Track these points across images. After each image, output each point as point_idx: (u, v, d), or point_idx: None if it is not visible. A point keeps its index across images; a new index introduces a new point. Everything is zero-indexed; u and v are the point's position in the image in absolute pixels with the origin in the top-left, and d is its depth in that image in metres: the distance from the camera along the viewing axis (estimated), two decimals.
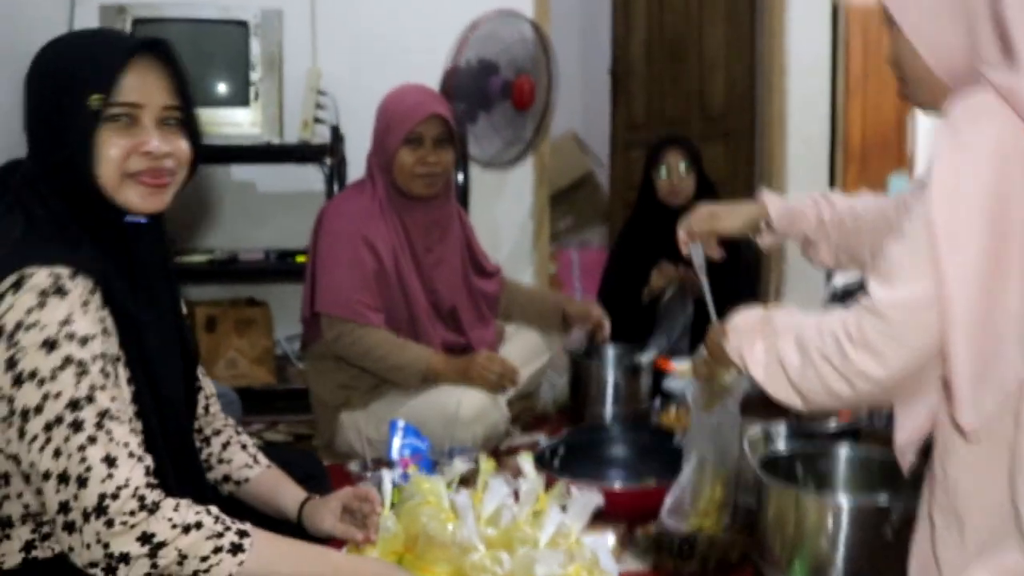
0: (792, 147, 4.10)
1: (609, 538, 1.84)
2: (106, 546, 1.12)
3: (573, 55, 5.58)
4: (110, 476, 1.12)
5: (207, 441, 1.58)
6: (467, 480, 1.94)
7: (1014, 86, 1.10)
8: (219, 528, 1.19)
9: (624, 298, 3.17)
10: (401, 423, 2.24)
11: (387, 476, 1.86)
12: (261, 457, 1.62)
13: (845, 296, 4.74)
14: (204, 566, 1.16)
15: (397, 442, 2.22)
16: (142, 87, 1.25)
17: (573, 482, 1.89)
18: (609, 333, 2.75)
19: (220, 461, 1.58)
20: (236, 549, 1.18)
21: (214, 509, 1.21)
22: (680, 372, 3.00)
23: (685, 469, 1.76)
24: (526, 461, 1.79)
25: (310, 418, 2.82)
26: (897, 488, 1.67)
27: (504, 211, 3.72)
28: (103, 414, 1.14)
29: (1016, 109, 1.09)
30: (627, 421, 2.76)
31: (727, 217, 1.79)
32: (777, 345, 1.28)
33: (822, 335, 1.20)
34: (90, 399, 1.14)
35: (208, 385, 1.62)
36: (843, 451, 1.76)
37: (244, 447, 1.61)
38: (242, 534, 1.20)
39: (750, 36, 4.28)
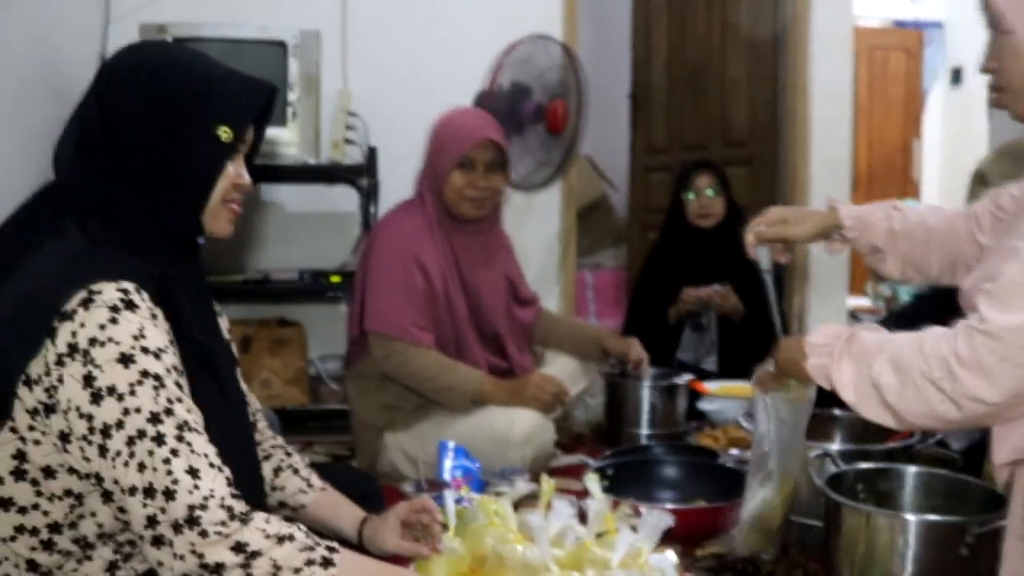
0: (815, 171, 4.14)
1: (671, 556, 1.86)
2: (200, 556, 1.11)
3: (590, 78, 5.63)
4: (196, 487, 1.12)
5: (257, 466, 1.53)
6: (524, 503, 1.95)
7: None
8: (310, 542, 1.19)
9: (654, 319, 3.20)
10: (451, 444, 2.25)
11: (450, 496, 1.87)
12: (315, 480, 1.61)
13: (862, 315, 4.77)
14: None
15: (448, 463, 2.22)
16: (249, 129, 1.32)
17: (637, 503, 1.90)
18: (647, 369, 2.77)
19: (273, 488, 1.57)
20: (327, 563, 1.18)
21: (302, 525, 1.22)
22: (714, 393, 3.03)
23: (752, 485, 1.74)
24: (592, 482, 1.79)
25: (346, 439, 2.83)
26: (962, 506, 1.68)
27: (532, 233, 3.74)
28: (182, 426, 1.15)
29: None
30: (665, 441, 2.77)
31: (798, 223, 1.79)
32: (870, 366, 1.28)
33: (926, 357, 1.19)
34: (169, 412, 1.14)
35: (254, 401, 1.62)
36: (907, 470, 1.76)
37: (296, 471, 1.59)
38: (331, 550, 1.20)
39: (772, 62, 4.32)
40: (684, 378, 2.89)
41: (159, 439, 1.12)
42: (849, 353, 1.33)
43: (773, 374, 1.61)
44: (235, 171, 1.30)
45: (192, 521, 1.11)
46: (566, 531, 1.76)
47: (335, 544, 1.22)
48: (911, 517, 1.56)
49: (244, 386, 1.56)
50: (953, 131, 7.28)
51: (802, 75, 4.07)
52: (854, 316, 4.94)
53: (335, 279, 3.08)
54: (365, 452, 2.57)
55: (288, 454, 1.61)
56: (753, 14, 4.31)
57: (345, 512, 1.59)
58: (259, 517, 1.17)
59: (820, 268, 4.18)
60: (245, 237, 3.43)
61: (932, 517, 1.56)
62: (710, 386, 3.06)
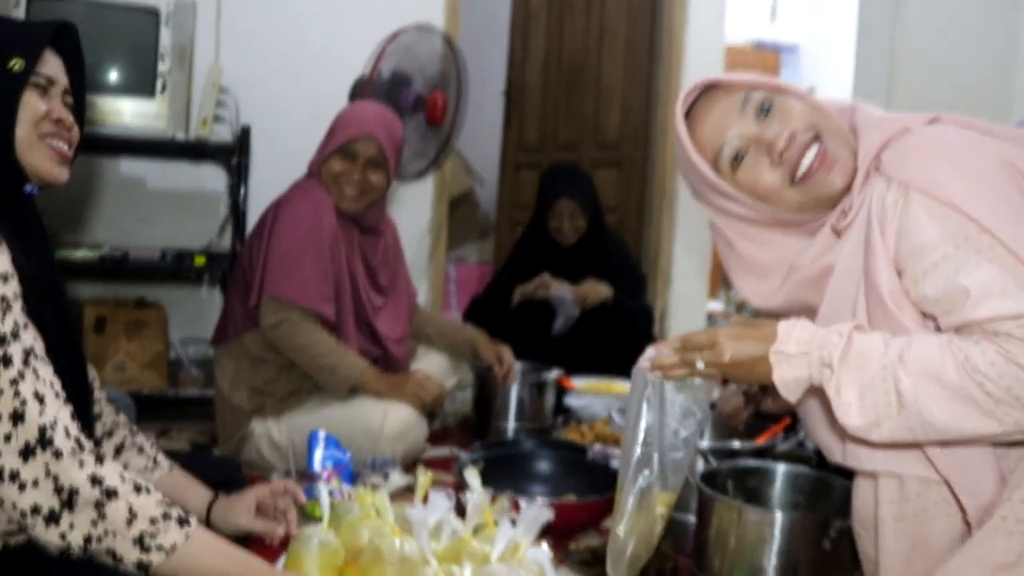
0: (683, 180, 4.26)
1: (546, 550, 1.87)
2: (55, 479, 1.09)
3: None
4: (43, 413, 1.11)
5: (98, 444, 1.50)
6: (399, 495, 1.92)
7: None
8: (166, 500, 1.18)
9: (498, 315, 3.22)
10: (322, 434, 2.19)
11: (324, 487, 1.82)
12: (162, 459, 1.57)
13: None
14: (152, 529, 1.14)
15: (319, 453, 2.16)
16: (54, 65, 1.31)
17: (517, 497, 1.91)
18: (516, 376, 2.79)
19: None
20: (183, 522, 1.17)
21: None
22: (581, 389, 3.08)
23: (627, 495, 1.51)
24: (472, 475, 1.78)
25: (206, 426, 2.72)
26: (824, 502, 1.77)
27: (402, 225, 3.64)
28: (29, 352, 1.13)
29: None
30: (533, 436, 2.80)
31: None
32: (897, 380, 1.13)
33: (985, 373, 1.08)
34: (15, 335, 1.12)
35: (92, 371, 1.54)
36: (775, 468, 1.84)
37: (141, 449, 1.55)
38: (186, 513, 1.20)
39: (648, 68, 4.43)
40: (552, 374, 2.92)
41: (6, 361, 1.10)
42: (849, 362, 1.17)
43: (679, 359, 1.35)
44: (45, 105, 1.27)
45: (45, 442, 1.09)
46: (443, 524, 1.75)
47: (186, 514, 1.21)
48: (779, 513, 1.63)
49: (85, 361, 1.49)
50: None
51: (675, 84, 4.19)
52: (710, 318, 5.12)
53: (199, 260, 2.95)
54: (229, 439, 2.48)
55: (132, 432, 1.56)
56: (631, 20, 4.40)
57: (193, 491, 1.56)
58: (113, 462, 1.16)
59: (681, 272, 4.31)
60: (102, 212, 3.25)
61: (798, 513, 1.63)
62: (577, 382, 3.10)
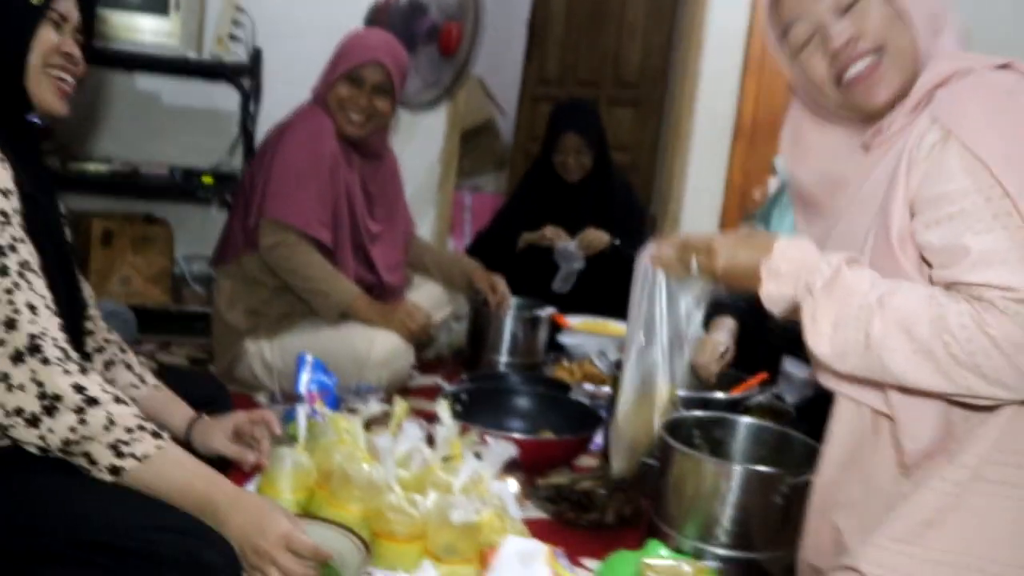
0: (699, 122, 4.22)
1: (513, 485, 1.93)
2: (40, 384, 1.15)
3: (490, 1, 5.57)
4: (33, 322, 1.17)
5: (88, 357, 1.55)
6: (376, 421, 1.98)
7: None
8: (141, 415, 1.24)
9: (502, 256, 3.21)
10: (310, 358, 2.25)
11: (302, 411, 1.89)
12: (148, 377, 1.61)
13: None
14: (127, 438, 1.19)
15: (305, 376, 2.22)
16: (69, 4, 1.36)
17: (485, 431, 1.97)
18: (509, 307, 2.83)
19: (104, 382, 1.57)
20: (156, 435, 1.23)
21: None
22: (575, 328, 3.11)
23: (627, 388, 1.50)
24: (443, 408, 1.84)
25: (205, 342, 2.79)
26: (785, 457, 1.81)
27: (413, 153, 3.70)
28: (24, 264, 1.19)
29: None
30: (523, 371, 2.85)
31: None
32: (869, 322, 1.15)
33: (954, 335, 1.10)
34: (13, 248, 1.19)
35: (88, 289, 1.60)
36: (739, 421, 1.88)
37: (129, 367, 1.60)
38: (160, 427, 1.26)
39: (671, 8, 4.36)
40: (547, 311, 2.96)
41: (3, 270, 1.17)
42: (832, 292, 1.19)
43: (677, 258, 1.37)
44: (56, 39, 1.33)
45: (34, 349, 1.15)
46: (413, 453, 1.82)
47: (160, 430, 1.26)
48: (736, 466, 1.67)
49: (81, 278, 1.56)
50: None
51: (698, 25, 4.12)
52: None
53: (207, 180, 3.00)
54: (224, 356, 2.55)
55: (123, 350, 1.61)
56: None
57: (176, 410, 1.60)
58: (97, 374, 1.22)
59: (690, 215, 4.31)
60: (116, 125, 3.28)
61: (753, 467, 1.67)
62: (572, 320, 3.14)
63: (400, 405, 1.92)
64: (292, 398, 2.15)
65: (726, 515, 1.65)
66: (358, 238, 2.53)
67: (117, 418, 1.19)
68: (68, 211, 3.12)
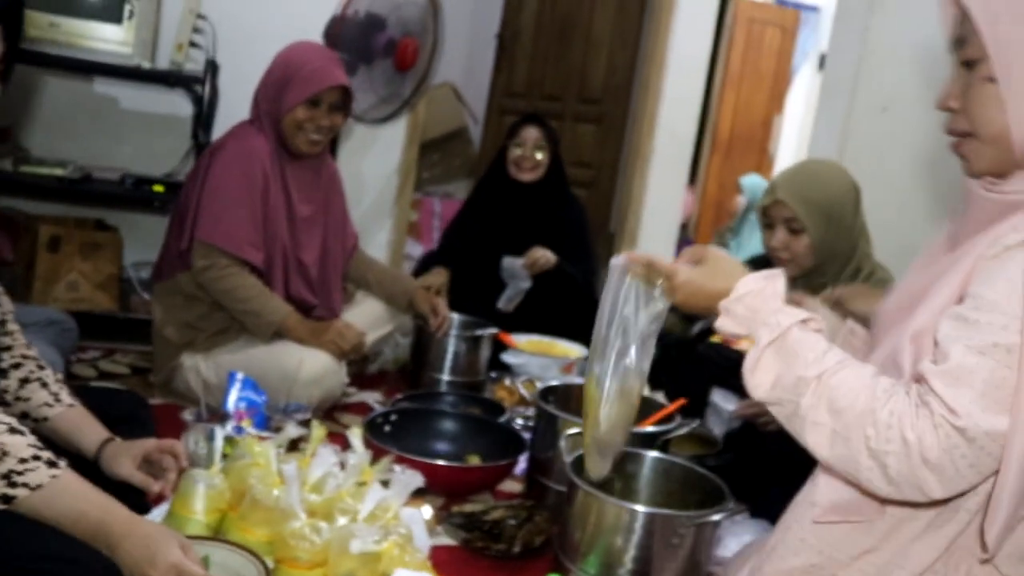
0: (659, 141, 4.26)
1: (426, 511, 1.96)
2: None
3: (464, 10, 5.59)
4: None
5: (3, 374, 1.57)
6: (297, 443, 2.01)
7: None
8: (40, 444, 1.25)
9: (463, 265, 3.23)
10: (240, 375, 2.28)
11: (219, 433, 1.91)
12: (64, 395, 1.62)
13: None
14: (20, 468, 1.21)
15: (234, 394, 2.26)
16: None
17: (399, 457, 2.00)
18: (448, 329, 2.86)
19: (17, 399, 1.58)
20: (52, 464, 1.25)
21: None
22: (520, 347, 3.14)
23: (612, 366, 1.45)
24: (355, 435, 1.87)
25: (150, 350, 2.81)
26: (691, 494, 1.84)
27: (371, 164, 3.74)
28: None
29: None
30: (462, 390, 2.88)
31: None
32: (801, 393, 1.16)
33: (878, 427, 1.08)
34: None
35: (7, 303, 1.61)
36: (648, 456, 1.91)
37: (44, 385, 1.61)
38: (57, 456, 1.27)
39: (637, 27, 4.40)
40: (489, 330, 2.98)
41: None
42: (778, 351, 1.19)
43: (644, 273, 1.37)
44: None
45: None
46: (328, 478, 1.85)
47: (59, 458, 1.28)
48: (633, 507, 1.70)
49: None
50: (813, 113, 7.56)
51: (661, 47, 4.16)
52: None
53: (158, 188, 3.01)
54: (162, 368, 2.57)
55: (40, 367, 1.62)
56: None
57: (88, 431, 1.61)
58: None
59: (647, 235, 4.34)
60: (73, 129, 3.29)
61: (650, 509, 1.70)
62: (518, 339, 3.16)
63: (317, 429, 1.95)
64: (218, 416, 2.17)
65: (625, 554, 1.69)
66: (291, 257, 2.55)
67: (10, 448, 1.21)
68: (18, 214, 3.14)
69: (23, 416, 1.58)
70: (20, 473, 1.22)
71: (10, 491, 1.21)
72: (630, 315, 1.39)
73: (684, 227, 7.82)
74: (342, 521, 1.73)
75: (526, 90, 4.85)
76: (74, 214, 3.22)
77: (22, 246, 3.02)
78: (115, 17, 2.86)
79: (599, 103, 4.56)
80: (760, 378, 1.20)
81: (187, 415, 2.17)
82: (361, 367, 2.96)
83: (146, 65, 2.93)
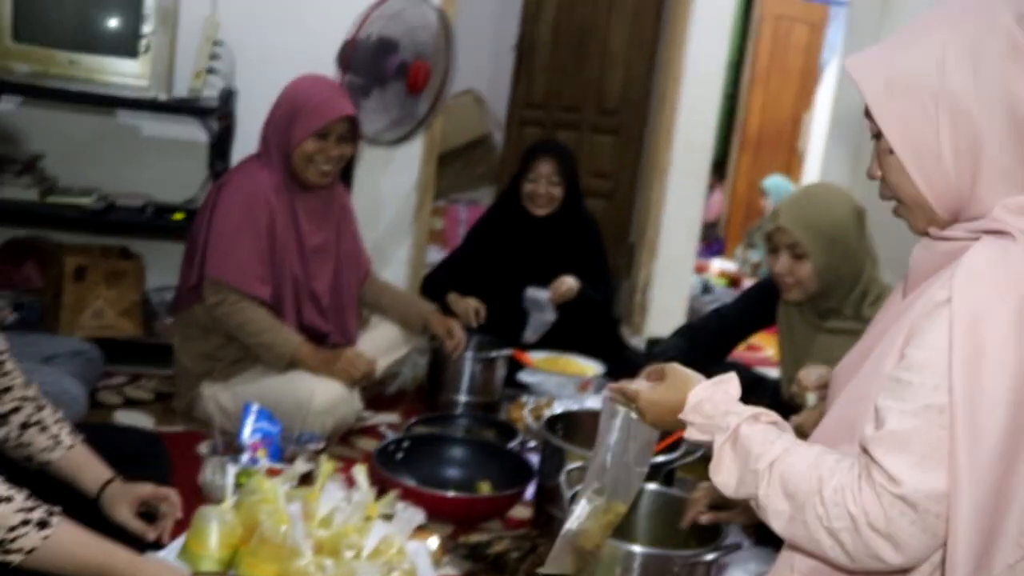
0: (677, 151, 4.26)
1: (432, 543, 2.00)
2: None
3: (485, 18, 5.63)
4: None
5: (4, 419, 1.60)
6: (310, 475, 2.06)
7: None
8: (30, 504, 1.28)
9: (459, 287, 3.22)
10: (255, 407, 2.34)
11: (231, 469, 1.97)
12: (64, 436, 1.65)
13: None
14: (10, 536, 1.25)
15: (249, 426, 2.31)
16: None
17: (407, 489, 2.04)
18: (467, 349, 2.90)
19: (19, 445, 1.62)
20: (43, 524, 1.28)
21: (25, 491, 1.30)
22: (536, 365, 3.17)
23: (580, 497, 1.58)
24: (360, 472, 1.91)
25: (173, 374, 2.88)
26: (695, 527, 1.86)
27: (388, 182, 3.78)
28: None
29: None
30: (478, 411, 2.92)
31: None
32: (757, 485, 1.18)
33: (825, 503, 1.10)
34: None
35: (3, 343, 1.63)
36: (647, 489, 1.93)
37: (44, 428, 1.63)
38: (51, 513, 1.30)
39: (653, 37, 4.40)
40: (504, 351, 3.01)
41: None
42: (733, 449, 1.24)
43: (619, 392, 1.47)
44: None
45: None
46: (335, 512, 1.89)
47: (57, 509, 1.31)
48: (629, 547, 1.71)
49: None
50: (842, 110, 7.49)
51: (677, 58, 4.15)
52: (706, 288, 5.15)
53: (178, 216, 3.08)
54: (184, 395, 2.65)
55: (39, 408, 1.65)
56: None
57: (88, 473, 1.65)
58: None
59: (667, 244, 4.35)
60: (96, 157, 3.37)
61: (643, 549, 1.71)
62: (534, 356, 3.19)
63: (326, 463, 2.00)
64: (233, 448, 2.23)
65: None
66: (303, 287, 2.60)
67: None
68: (46, 243, 3.22)
69: (27, 459, 1.62)
70: (11, 541, 1.26)
71: (4, 557, 1.26)
72: (619, 441, 1.50)
73: (714, 226, 7.83)
74: (349, 555, 1.78)
75: (545, 101, 4.87)
76: (98, 242, 3.30)
77: (49, 275, 3.11)
78: (131, 52, 2.91)
79: (616, 114, 4.57)
80: (725, 478, 1.24)
81: (203, 448, 2.22)
82: (378, 389, 3.01)
83: (162, 97, 2.99)
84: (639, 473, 1.53)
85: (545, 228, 3.28)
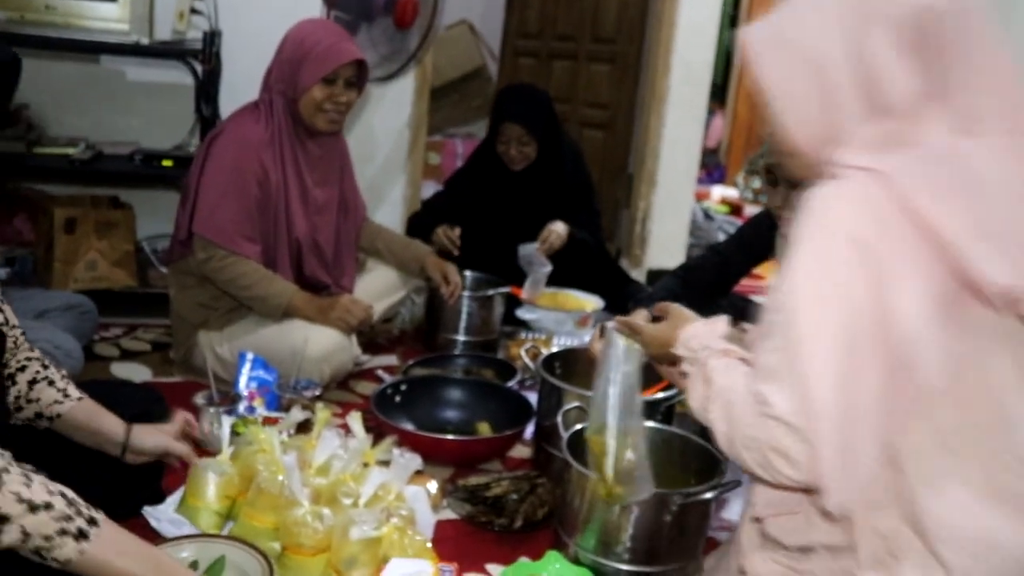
0: (675, 77, 4.16)
1: (431, 487, 2.00)
2: None
3: None
4: None
5: (12, 379, 1.61)
6: (308, 423, 2.05)
7: (874, 164, 1.13)
8: (70, 511, 1.21)
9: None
10: (250, 355, 2.32)
11: (227, 421, 1.96)
12: (72, 390, 1.66)
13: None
14: (47, 545, 1.18)
15: (245, 375, 2.30)
16: None
17: (406, 433, 2.03)
18: (458, 295, 2.87)
19: (29, 401, 1.62)
20: (80, 536, 1.21)
21: (68, 492, 1.24)
22: (530, 298, 3.14)
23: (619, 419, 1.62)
24: (355, 420, 1.90)
25: (170, 324, 2.87)
26: (692, 462, 1.86)
27: (381, 120, 3.72)
28: None
29: (879, 185, 1.12)
30: (477, 350, 2.91)
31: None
32: (708, 409, 1.31)
33: (743, 427, 1.21)
34: None
35: (10, 315, 1.62)
36: (647, 426, 1.91)
37: (52, 383, 1.65)
38: (91, 521, 1.23)
39: None
40: (501, 289, 2.99)
41: None
42: (701, 379, 1.36)
43: (625, 325, 1.62)
44: None
45: None
46: (333, 460, 1.89)
47: (99, 517, 1.25)
48: None
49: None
50: None
51: None
52: (707, 215, 5.10)
53: (167, 163, 3.03)
54: (181, 345, 2.63)
55: (44, 366, 1.66)
56: None
57: (108, 418, 1.68)
58: (16, 479, 1.18)
59: (667, 173, 4.28)
60: (82, 105, 3.32)
61: None
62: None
63: (322, 411, 1.99)
64: (229, 399, 2.22)
65: (621, 530, 1.71)
66: (307, 240, 2.56)
67: (32, 528, 1.17)
68: (36, 194, 3.18)
69: (37, 417, 1.62)
70: (48, 549, 1.19)
71: (42, 562, 1.20)
72: (630, 370, 1.62)
73: (715, 152, 7.73)
74: (347, 502, 1.78)
75: (539, 31, 4.76)
76: (88, 192, 3.26)
77: (40, 228, 3.08)
78: None
79: (613, 42, 4.46)
80: (693, 402, 1.37)
81: (199, 399, 2.21)
82: (383, 330, 3.00)
83: (144, 40, 2.92)
84: (636, 393, 1.62)
85: (524, 182, 3.24)
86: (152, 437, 1.71)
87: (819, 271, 1.14)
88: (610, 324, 1.66)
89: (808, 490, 1.23)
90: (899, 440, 1.18)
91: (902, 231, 1.11)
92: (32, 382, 1.64)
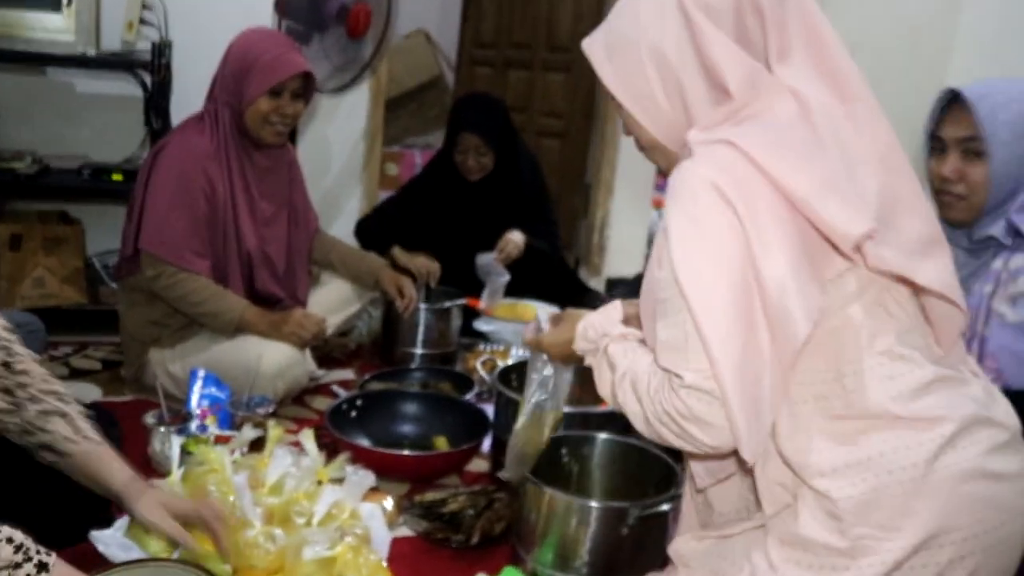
0: None
1: (387, 504, 1.98)
2: None
3: None
4: None
5: (21, 407, 1.52)
6: (260, 442, 2.02)
7: (722, 137, 1.19)
8: (18, 558, 1.18)
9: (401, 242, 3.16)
10: (202, 373, 2.28)
11: (176, 441, 1.92)
12: (90, 432, 1.58)
13: None
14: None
15: (196, 393, 2.26)
16: None
17: (361, 450, 2.00)
18: (413, 309, 2.84)
19: (40, 430, 1.53)
20: (42, 567, 1.19)
21: (18, 535, 1.20)
22: (487, 308, 3.13)
23: (520, 420, 1.71)
24: (307, 438, 1.87)
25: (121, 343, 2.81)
26: (646, 474, 1.85)
27: (335, 131, 3.69)
28: None
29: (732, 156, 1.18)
30: (435, 363, 2.88)
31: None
32: (615, 394, 1.35)
33: (655, 403, 1.25)
34: None
35: (18, 346, 1.56)
36: (598, 438, 1.92)
37: (65, 417, 1.56)
38: (41, 567, 1.20)
39: None
40: (458, 301, 2.97)
41: None
42: (605, 365, 1.40)
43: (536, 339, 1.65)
44: None
45: None
46: (285, 479, 1.86)
47: (51, 560, 1.22)
48: (584, 502, 1.71)
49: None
50: None
51: None
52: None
53: (117, 177, 2.98)
54: (132, 363, 2.58)
55: (66, 402, 1.58)
56: None
57: (112, 470, 1.57)
58: None
59: (624, 182, 4.29)
60: (28, 117, 3.25)
61: (597, 504, 1.71)
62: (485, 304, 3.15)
63: (273, 430, 1.96)
64: (180, 418, 2.17)
65: (578, 544, 1.70)
66: (257, 253, 2.52)
67: None
68: None
69: (44, 447, 1.55)
70: None
71: None
72: (536, 378, 1.68)
73: None
74: (300, 522, 1.75)
75: (495, 40, 4.75)
76: (35, 207, 3.19)
77: None
78: (53, 5, 2.78)
79: (568, 51, 4.47)
80: (602, 389, 1.41)
81: (149, 418, 2.16)
82: (340, 343, 2.97)
83: (91, 52, 2.86)
84: (567, 379, 1.68)
85: (481, 191, 3.23)
86: (149, 512, 1.57)
87: (693, 232, 1.18)
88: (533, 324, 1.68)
89: (726, 456, 1.29)
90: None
91: (759, 188, 1.17)
92: (44, 412, 1.54)
